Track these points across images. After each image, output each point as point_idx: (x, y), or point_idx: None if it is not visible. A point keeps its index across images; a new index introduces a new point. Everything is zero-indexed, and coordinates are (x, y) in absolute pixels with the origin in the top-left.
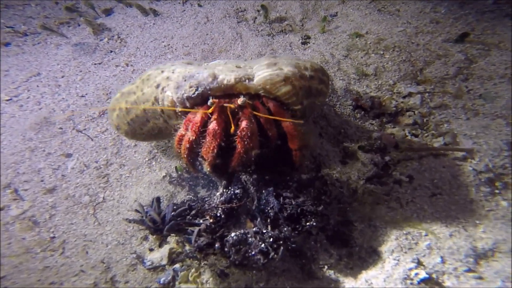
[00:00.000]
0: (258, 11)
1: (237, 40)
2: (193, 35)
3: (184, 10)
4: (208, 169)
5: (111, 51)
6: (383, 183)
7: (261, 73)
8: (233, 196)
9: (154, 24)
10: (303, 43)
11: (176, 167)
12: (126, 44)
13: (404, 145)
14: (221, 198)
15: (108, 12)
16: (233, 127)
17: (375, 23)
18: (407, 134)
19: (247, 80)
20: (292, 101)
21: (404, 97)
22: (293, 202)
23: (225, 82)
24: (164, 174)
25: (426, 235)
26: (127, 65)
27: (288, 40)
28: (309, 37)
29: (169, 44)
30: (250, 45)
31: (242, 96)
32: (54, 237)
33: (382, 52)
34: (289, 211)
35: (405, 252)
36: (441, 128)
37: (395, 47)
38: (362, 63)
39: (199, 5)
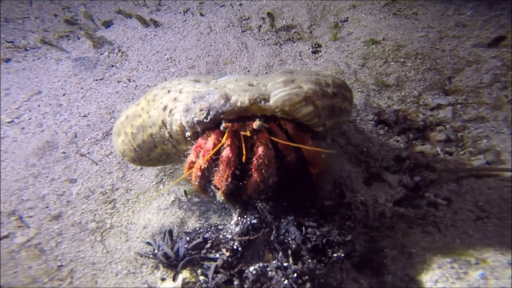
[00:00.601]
0: (263, 18)
1: (242, 50)
2: (196, 46)
3: (186, 20)
4: (222, 198)
5: (112, 66)
6: (415, 206)
7: (277, 92)
8: (250, 227)
9: (155, 35)
10: (313, 52)
11: (185, 191)
12: (127, 57)
13: (440, 166)
14: (237, 229)
15: (107, 24)
16: (244, 155)
17: (392, 28)
18: (439, 151)
19: (262, 101)
20: (314, 122)
21: (432, 110)
22: (317, 232)
23: (238, 104)
24: (173, 199)
25: (476, 263)
26: (129, 80)
27: (297, 49)
28: (319, 45)
29: (171, 57)
30: (256, 56)
31: (258, 119)
32: (61, 265)
33: (403, 60)
34: (313, 242)
35: (453, 283)
36: (480, 144)
37: (418, 54)
38: (381, 73)
39: (201, 14)
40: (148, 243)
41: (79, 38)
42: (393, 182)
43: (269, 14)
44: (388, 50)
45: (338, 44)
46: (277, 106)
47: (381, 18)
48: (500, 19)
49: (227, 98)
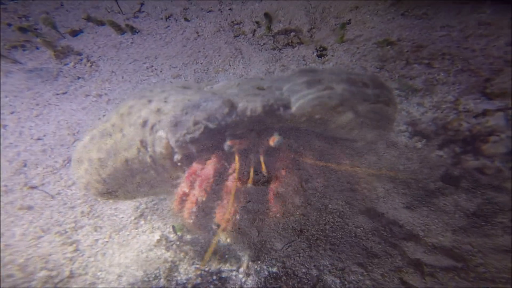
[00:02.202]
0: (257, 22)
1: (236, 56)
2: (182, 53)
3: (168, 26)
4: (229, 240)
5: (79, 78)
6: (489, 235)
7: (300, 96)
8: (268, 279)
9: (132, 43)
10: (319, 56)
11: (173, 227)
12: (98, 68)
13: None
14: (249, 282)
15: (75, 32)
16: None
17: (405, 28)
18: (502, 168)
19: (281, 108)
20: (352, 135)
21: (475, 117)
22: (368, 283)
23: (248, 113)
24: (158, 238)
25: None
26: (99, 95)
27: (299, 54)
28: (325, 48)
29: (152, 66)
30: (253, 62)
31: (276, 133)
32: None
33: (427, 61)
34: None
35: None
36: None
37: (444, 54)
38: (404, 75)
39: (186, 20)
40: None
41: (38, 48)
42: (447, 207)
43: (266, 14)
44: (407, 51)
45: (346, 46)
46: (303, 115)
47: (390, 19)
48: None
49: (232, 106)
